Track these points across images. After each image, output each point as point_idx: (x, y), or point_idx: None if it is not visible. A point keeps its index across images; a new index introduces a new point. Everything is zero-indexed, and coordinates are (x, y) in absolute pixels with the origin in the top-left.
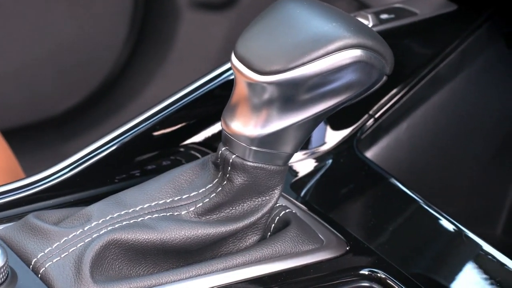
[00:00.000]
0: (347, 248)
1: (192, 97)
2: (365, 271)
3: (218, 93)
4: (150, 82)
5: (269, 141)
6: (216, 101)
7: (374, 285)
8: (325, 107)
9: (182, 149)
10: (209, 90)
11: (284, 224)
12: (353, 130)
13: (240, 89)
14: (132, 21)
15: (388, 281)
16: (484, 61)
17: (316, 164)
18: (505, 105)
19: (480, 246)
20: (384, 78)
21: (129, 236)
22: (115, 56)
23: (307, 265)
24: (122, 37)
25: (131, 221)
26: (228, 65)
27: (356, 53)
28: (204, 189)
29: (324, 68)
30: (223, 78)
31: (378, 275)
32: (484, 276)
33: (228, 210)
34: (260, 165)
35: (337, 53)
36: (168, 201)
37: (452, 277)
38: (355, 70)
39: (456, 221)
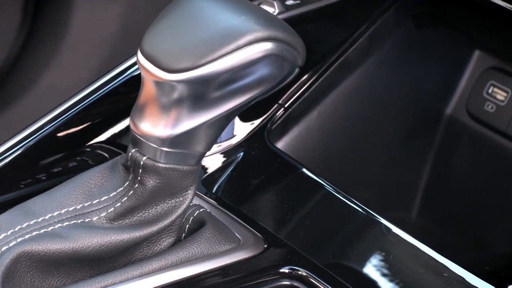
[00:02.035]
0: (265, 246)
1: (96, 96)
2: (285, 269)
3: (123, 90)
4: (45, 70)
5: (180, 141)
6: (121, 98)
7: (295, 283)
8: (237, 104)
9: (88, 149)
10: (113, 87)
11: (199, 225)
12: (263, 121)
13: (148, 89)
14: (24, 9)
15: (310, 278)
16: (393, 43)
17: (227, 158)
18: (415, 87)
19: (393, 232)
20: (297, 70)
21: (40, 247)
22: (8, 46)
23: (225, 266)
24: (15, 26)
25: (41, 231)
26: (131, 61)
27: (267, 46)
28: (115, 193)
29: (234, 63)
30: (127, 75)
31: (299, 273)
32: (398, 260)
33: (141, 213)
34: (172, 166)
35: (248, 47)
36: (78, 207)
37: (368, 264)
38: (267, 64)
39: (370, 209)
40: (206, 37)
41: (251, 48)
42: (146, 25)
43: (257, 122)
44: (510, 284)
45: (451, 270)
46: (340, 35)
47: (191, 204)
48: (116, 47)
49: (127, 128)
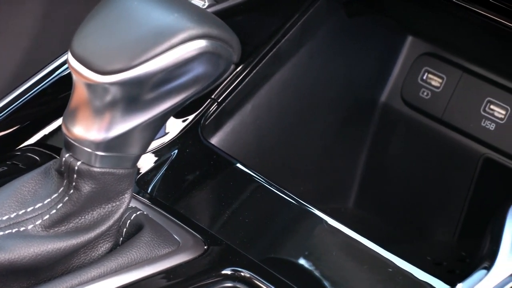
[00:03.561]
0: (205, 247)
1: (25, 98)
2: (227, 271)
3: (52, 91)
4: None
5: (115, 144)
6: (50, 99)
7: (237, 285)
8: (172, 104)
9: (18, 153)
10: (42, 89)
11: (136, 228)
12: (196, 116)
13: (80, 92)
14: None
15: (253, 279)
16: (325, 32)
17: (161, 156)
18: (349, 75)
19: (330, 224)
20: (232, 66)
21: None
22: None
23: (166, 270)
24: None
25: None
26: (59, 61)
27: (201, 44)
28: (49, 200)
29: (169, 62)
30: (55, 76)
31: (242, 274)
32: (339, 254)
33: (77, 220)
34: (108, 170)
35: (182, 46)
36: (12, 216)
37: (309, 260)
38: (202, 62)
39: (306, 200)
40: (139, 37)
41: (185, 47)
42: (68, 14)
43: (190, 118)
44: (459, 281)
45: (390, 261)
46: (272, 26)
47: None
48: (38, 38)
49: (57, 129)
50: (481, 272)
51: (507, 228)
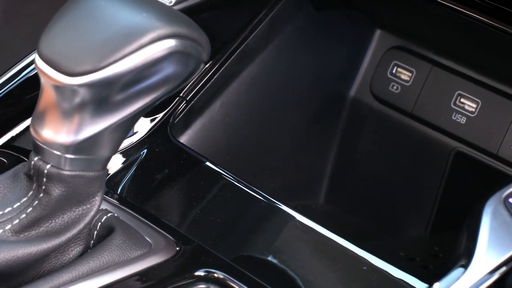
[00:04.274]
0: (177, 248)
1: None
2: (200, 272)
3: (18, 93)
4: None
5: (85, 147)
6: (17, 100)
7: (211, 286)
8: (142, 105)
9: None
10: (8, 90)
11: (107, 231)
12: (165, 115)
13: (48, 94)
14: None
15: (227, 281)
16: (293, 28)
17: (130, 156)
18: (318, 70)
19: (300, 221)
20: (202, 65)
21: None
22: None
23: (138, 272)
24: None
25: None
26: (25, 62)
27: (171, 43)
28: (19, 204)
29: (138, 63)
30: (23, 76)
31: (215, 275)
32: (312, 252)
33: (48, 224)
34: (78, 173)
35: (151, 46)
36: None
37: (282, 259)
38: (171, 62)
39: (276, 197)
40: (107, 37)
41: (154, 46)
42: (34, 13)
43: (159, 117)
44: (433, 277)
45: (364, 259)
46: (239, 22)
47: None
48: (3, 38)
49: (25, 130)
50: (458, 271)
51: (483, 225)
